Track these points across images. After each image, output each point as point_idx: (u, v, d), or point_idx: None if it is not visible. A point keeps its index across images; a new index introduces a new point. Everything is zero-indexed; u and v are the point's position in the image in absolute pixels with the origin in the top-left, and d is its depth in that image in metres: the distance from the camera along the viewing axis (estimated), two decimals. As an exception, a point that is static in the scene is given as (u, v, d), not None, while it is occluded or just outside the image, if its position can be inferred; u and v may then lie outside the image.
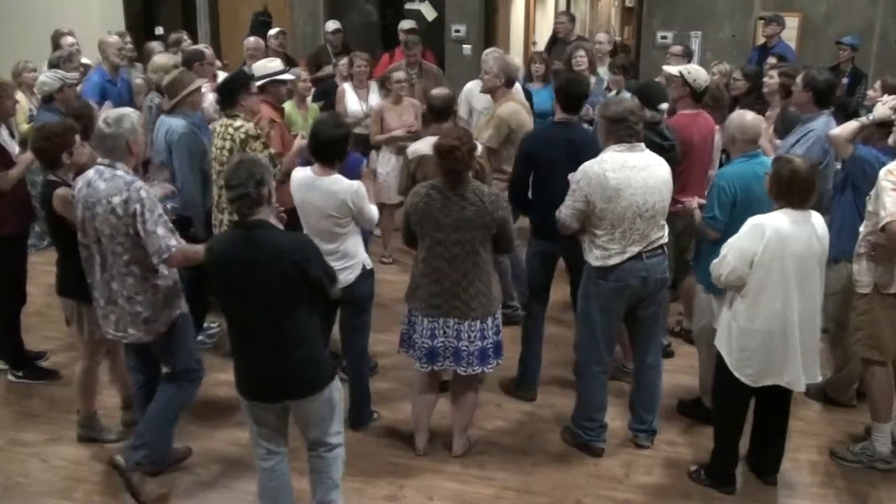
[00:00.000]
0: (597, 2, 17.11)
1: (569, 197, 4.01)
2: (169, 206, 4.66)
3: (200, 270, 5.51)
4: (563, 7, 14.41)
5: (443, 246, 3.92)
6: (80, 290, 3.93)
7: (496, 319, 4.08)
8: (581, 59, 7.01)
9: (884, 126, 4.30)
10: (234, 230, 3.37)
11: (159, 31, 10.96)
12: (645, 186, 3.92)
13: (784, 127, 5.34)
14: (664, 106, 4.80)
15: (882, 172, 3.91)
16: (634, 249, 3.99)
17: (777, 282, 3.65)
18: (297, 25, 10.75)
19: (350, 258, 4.23)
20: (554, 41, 8.78)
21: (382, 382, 4.99)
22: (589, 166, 3.97)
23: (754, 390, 3.84)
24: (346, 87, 7.13)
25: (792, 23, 9.42)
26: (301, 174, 4.23)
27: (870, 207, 3.99)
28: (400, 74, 6.73)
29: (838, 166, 4.71)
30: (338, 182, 4.12)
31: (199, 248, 3.70)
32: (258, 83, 5.15)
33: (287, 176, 4.61)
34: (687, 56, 7.25)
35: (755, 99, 6.18)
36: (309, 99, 6.64)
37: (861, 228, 4.09)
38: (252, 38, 7.85)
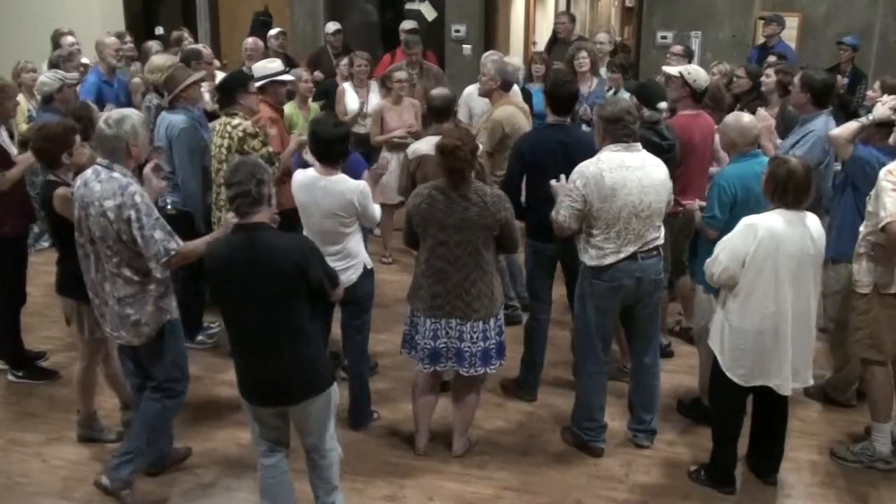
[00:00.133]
0: (597, 2, 17.11)
1: (566, 198, 4.01)
2: (169, 200, 4.68)
3: (197, 270, 5.56)
4: (563, 7, 14.41)
5: (445, 247, 3.91)
6: (80, 290, 3.92)
7: (498, 320, 4.08)
8: (584, 61, 7.01)
9: (884, 126, 4.30)
10: (234, 234, 3.37)
11: (159, 31, 10.96)
12: (640, 186, 3.92)
13: (784, 126, 5.34)
14: (663, 105, 4.79)
15: (882, 173, 3.91)
16: (630, 249, 3.99)
17: (769, 282, 3.65)
18: (297, 25, 10.75)
19: (352, 258, 4.24)
20: (554, 41, 8.78)
21: (382, 382, 4.99)
22: (586, 166, 3.98)
23: (751, 390, 3.85)
24: (346, 87, 7.13)
25: (792, 23, 9.41)
26: (303, 175, 4.23)
27: (870, 208, 3.99)
28: (400, 74, 6.73)
29: (838, 167, 4.71)
30: (343, 182, 4.13)
31: (198, 243, 3.70)
32: (258, 84, 5.15)
33: (286, 175, 4.62)
34: (688, 56, 7.25)
35: (756, 97, 6.18)
36: (310, 99, 6.64)
37: (861, 228, 4.09)
38: (250, 39, 7.85)
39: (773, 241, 3.61)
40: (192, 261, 3.72)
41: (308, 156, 4.60)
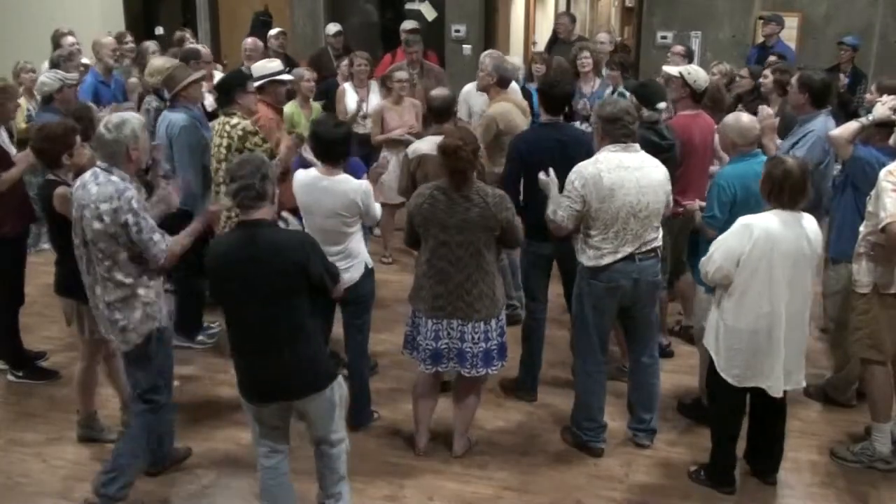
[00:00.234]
0: (597, 2, 17.10)
1: (565, 199, 4.01)
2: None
3: (197, 269, 5.55)
4: (563, 7, 14.41)
5: (447, 247, 3.91)
6: (79, 290, 3.91)
7: (500, 321, 4.08)
8: (586, 61, 7.03)
9: (883, 126, 4.30)
10: (234, 231, 3.38)
11: (159, 31, 10.97)
12: (638, 187, 3.92)
13: (784, 126, 5.34)
14: (662, 105, 4.80)
15: (882, 173, 3.91)
16: (627, 250, 3.99)
17: (764, 282, 3.64)
18: (297, 25, 10.75)
19: (354, 257, 4.24)
20: (554, 41, 8.80)
21: (382, 382, 4.99)
22: (584, 167, 3.97)
23: (747, 390, 3.84)
24: (347, 87, 7.13)
25: (792, 23, 9.41)
26: (305, 175, 4.23)
27: (870, 208, 3.99)
28: (401, 74, 6.73)
29: (839, 167, 4.71)
30: (347, 182, 4.14)
31: (179, 238, 3.74)
32: (257, 83, 5.15)
33: (285, 175, 4.61)
34: (688, 56, 7.26)
35: (756, 97, 6.18)
36: (311, 99, 6.63)
37: (861, 228, 4.08)
38: (250, 39, 7.85)
39: (768, 241, 3.61)
40: (187, 247, 3.77)
41: (308, 154, 4.60)
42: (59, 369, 5.14)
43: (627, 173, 3.92)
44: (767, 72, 6.00)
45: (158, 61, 5.74)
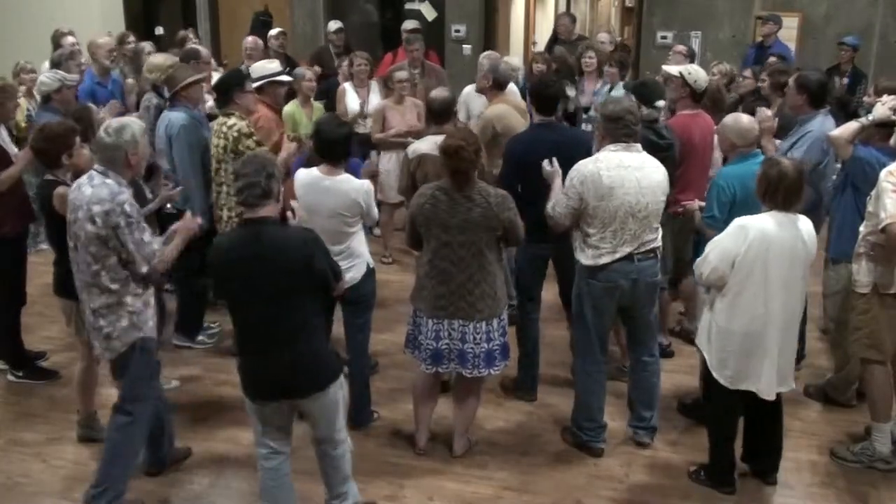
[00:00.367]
0: (597, 2, 17.10)
1: (563, 195, 4.02)
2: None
3: (199, 269, 5.54)
4: (563, 7, 14.42)
5: (449, 248, 3.91)
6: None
7: (502, 321, 4.08)
8: (590, 61, 7.04)
9: (883, 126, 4.30)
10: (239, 228, 3.38)
11: (159, 31, 10.97)
12: (638, 187, 3.92)
13: (781, 126, 5.35)
14: (661, 103, 4.81)
15: (883, 174, 3.90)
16: (626, 250, 3.99)
17: (759, 283, 3.64)
18: (296, 25, 10.75)
19: (356, 257, 4.24)
20: (554, 41, 8.81)
21: (382, 382, 4.99)
22: (584, 164, 3.98)
23: (742, 392, 3.83)
24: (347, 87, 7.13)
25: (792, 23, 9.42)
26: (307, 175, 4.23)
27: (870, 208, 3.99)
28: (401, 74, 6.73)
29: (838, 166, 4.71)
30: (348, 181, 4.15)
31: (170, 248, 3.71)
32: (256, 84, 5.15)
33: (285, 177, 4.61)
34: (690, 57, 7.27)
35: (757, 98, 6.18)
36: (312, 98, 6.62)
37: (861, 228, 4.08)
38: (250, 38, 7.85)
39: (763, 242, 3.60)
40: (175, 255, 3.74)
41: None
42: (59, 369, 5.14)
43: (628, 173, 3.92)
44: (765, 75, 6.00)
45: (158, 58, 5.73)
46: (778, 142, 5.16)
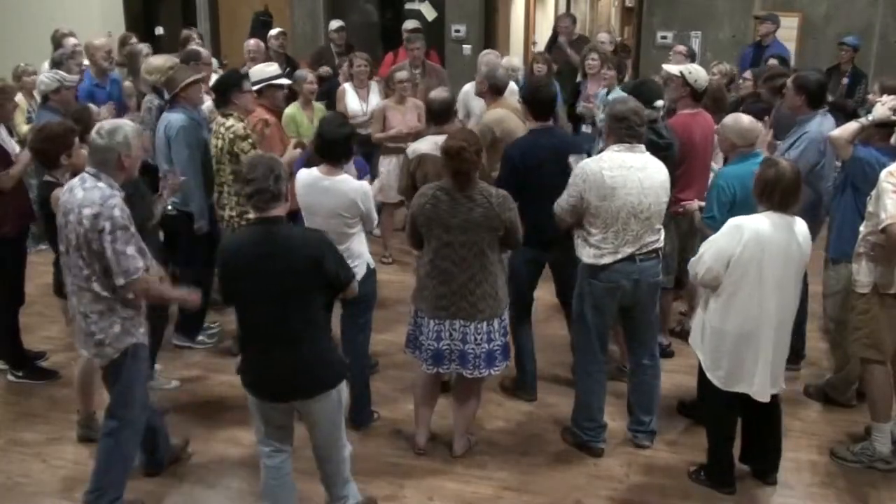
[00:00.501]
0: (597, 2, 17.10)
1: (566, 191, 4.03)
2: (169, 200, 4.69)
3: (201, 268, 5.53)
4: (563, 7, 14.42)
5: (450, 248, 3.91)
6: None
7: (503, 321, 4.08)
8: (593, 62, 7.05)
9: (883, 127, 4.30)
10: (250, 227, 3.37)
11: (159, 31, 10.96)
12: (641, 187, 3.93)
13: (777, 126, 5.35)
14: (660, 103, 4.81)
15: (883, 174, 3.90)
16: (627, 250, 4.00)
17: (753, 284, 3.64)
18: (296, 25, 10.75)
19: (356, 257, 4.24)
20: (554, 41, 8.82)
21: (382, 382, 4.99)
22: (587, 164, 4.01)
23: (738, 392, 3.83)
24: (347, 87, 7.13)
25: (792, 23, 9.41)
26: (307, 175, 4.23)
27: (870, 208, 3.99)
28: (402, 74, 6.73)
29: (839, 165, 4.71)
30: (347, 182, 4.15)
31: (168, 290, 3.65)
32: (255, 87, 5.16)
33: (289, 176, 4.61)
34: (690, 57, 7.28)
35: (757, 100, 6.18)
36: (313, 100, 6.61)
37: (861, 228, 4.09)
38: (252, 41, 7.84)
39: (758, 243, 3.60)
40: (155, 300, 3.61)
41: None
42: (59, 369, 5.14)
43: (630, 173, 3.92)
44: (761, 82, 6.01)
45: (158, 60, 5.73)
46: (778, 142, 5.16)
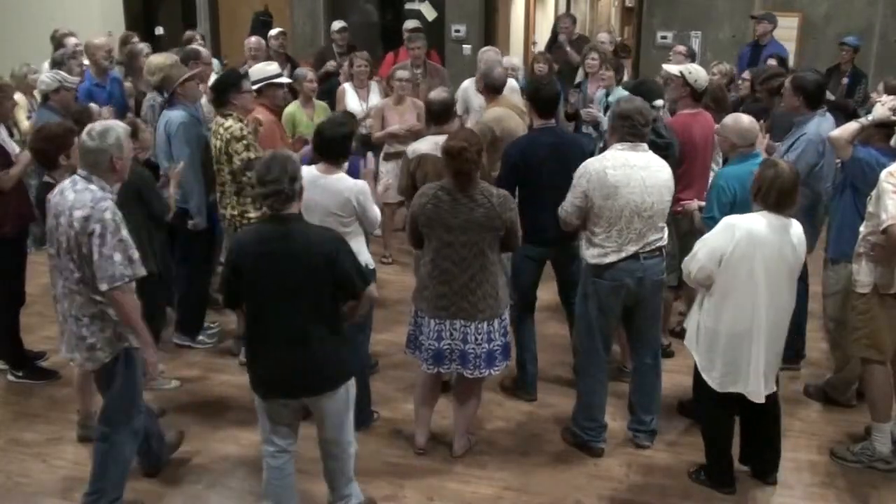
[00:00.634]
0: (597, 2, 17.10)
1: (570, 193, 4.03)
2: (176, 193, 4.69)
3: (202, 268, 5.53)
4: (563, 7, 14.42)
5: (451, 248, 3.91)
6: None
7: (503, 321, 4.08)
8: (593, 62, 7.06)
9: (883, 127, 4.30)
10: (265, 223, 3.37)
11: (159, 31, 10.96)
12: (644, 186, 3.93)
13: (774, 125, 5.36)
14: (659, 103, 4.82)
15: (883, 174, 3.90)
16: (631, 249, 4.00)
17: (745, 284, 3.64)
18: (296, 25, 10.75)
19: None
20: (554, 41, 8.82)
21: (382, 382, 4.99)
22: (590, 163, 4.01)
23: (733, 393, 3.83)
24: (347, 87, 7.13)
25: (792, 23, 9.41)
26: (306, 172, 4.21)
27: (870, 208, 3.99)
28: (402, 73, 6.73)
29: (839, 164, 4.71)
30: (343, 180, 4.14)
31: (141, 327, 3.51)
32: (255, 87, 5.16)
33: None
34: (691, 57, 7.28)
35: (756, 101, 6.18)
36: (313, 98, 6.61)
37: (861, 229, 4.08)
38: (253, 39, 7.84)
39: (751, 242, 3.60)
40: (129, 320, 3.48)
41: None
42: (59, 369, 5.13)
43: (633, 172, 3.93)
44: (758, 85, 6.01)
45: (157, 59, 5.73)
46: (777, 143, 5.16)
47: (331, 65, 7.93)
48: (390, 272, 6.67)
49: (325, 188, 4.12)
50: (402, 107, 6.68)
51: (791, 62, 8.45)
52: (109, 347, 3.55)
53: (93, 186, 3.43)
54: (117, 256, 3.37)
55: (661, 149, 4.49)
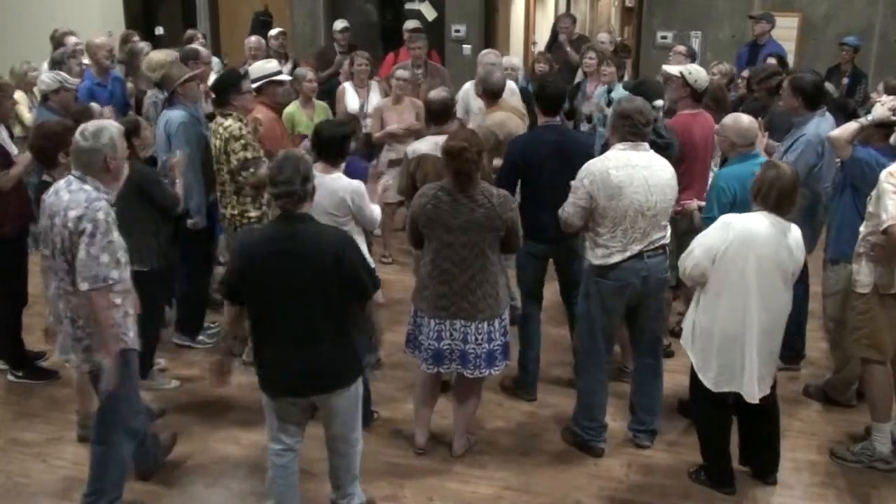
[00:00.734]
0: (597, 2, 17.10)
1: (572, 195, 4.03)
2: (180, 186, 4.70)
3: (203, 267, 5.52)
4: (563, 7, 14.43)
5: (451, 248, 3.91)
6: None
7: (503, 321, 4.07)
8: (591, 61, 7.06)
9: (882, 127, 4.30)
10: (275, 222, 3.38)
11: (159, 30, 10.96)
12: (647, 185, 3.93)
13: (772, 125, 5.36)
14: (659, 102, 4.82)
15: (883, 174, 3.90)
16: (635, 248, 4.00)
17: (736, 284, 3.64)
18: (296, 25, 10.75)
19: None
20: (554, 41, 8.83)
21: (382, 382, 4.99)
22: (593, 164, 4.00)
23: (730, 393, 3.82)
24: (347, 86, 7.13)
25: (792, 23, 9.41)
26: None
27: (870, 208, 3.99)
28: (402, 73, 6.72)
29: (839, 164, 4.71)
30: (338, 180, 4.14)
31: (115, 338, 3.43)
32: (255, 85, 5.16)
33: None
34: (691, 57, 7.28)
35: (756, 100, 6.18)
36: (313, 98, 6.60)
37: (861, 229, 4.08)
38: (254, 38, 7.85)
39: (745, 242, 3.60)
40: (102, 319, 3.41)
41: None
42: (59, 369, 5.13)
43: (636, 171, 3.93)
44: (755, 84, 6.00)
45: (158, 56, 5.71)
46: (776, 143, 5.16)
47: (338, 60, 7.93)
48: (390, 272, 6.66)
49: (322, 188, 4.11)
50: (400, 106, 6.67)
51: (791, 62, 8.45)
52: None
53: (87, 187, 3.41)
54: (104, 258, 3.35)
55: (661, 149, 4.48)
